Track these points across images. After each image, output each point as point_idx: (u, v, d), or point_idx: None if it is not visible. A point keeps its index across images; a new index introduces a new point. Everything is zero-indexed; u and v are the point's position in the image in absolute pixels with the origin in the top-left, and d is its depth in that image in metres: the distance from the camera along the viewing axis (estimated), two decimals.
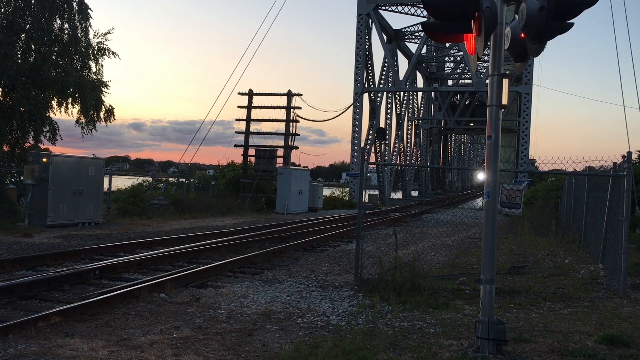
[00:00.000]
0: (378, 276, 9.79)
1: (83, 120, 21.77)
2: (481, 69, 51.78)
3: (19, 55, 20.30)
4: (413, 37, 51.02)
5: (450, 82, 72.81)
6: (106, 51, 22.02)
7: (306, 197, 31.25)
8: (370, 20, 43.62)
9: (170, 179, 38.91)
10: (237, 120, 34.46)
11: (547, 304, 8.99)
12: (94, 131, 22.24)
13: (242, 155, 34.17)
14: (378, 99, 46.23)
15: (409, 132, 62.25)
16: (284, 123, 33.67)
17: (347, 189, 43.31)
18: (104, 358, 5.75)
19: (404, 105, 56.76)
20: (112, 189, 25.40)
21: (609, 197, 10.97)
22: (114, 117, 22.74)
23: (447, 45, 55.90)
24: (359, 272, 10.19)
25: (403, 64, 53.92)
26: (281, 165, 32.52)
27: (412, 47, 52.21)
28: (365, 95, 44.18)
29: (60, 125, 21.94)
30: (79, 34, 21.00)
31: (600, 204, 12.14)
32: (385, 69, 47.67)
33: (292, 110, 33.44)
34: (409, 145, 61.83)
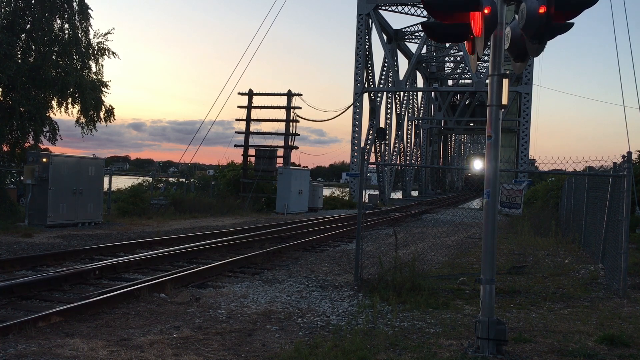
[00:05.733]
0: (378, 276, 9.79)
1: (83, 120, 21.78)
2: (481, 69, 51.78)
3: (19, 55, 20.30)
4: (413, 37, 51.02)
5: (450, 82, 72.81)
6: (106, 51, 22.03)
7: (306, 197, 31.24)
8: (370, 20, 43.63)
9: (170, 179, 38.90)
10: (237, 120, 34.54)
11: (547, 304, 8.99)
12: (94, 131, 22.27)
13: (242, 155, 34.19)
14: (378, 99, 46.24)
15: (409, 132, 62.28)
16: (284, 123, 33.69)
17: (347, 189, 43.32)
18: (104, 358, 5.75)
19: (404, 105, 56.77)
20: (112, 189, 25.40)
21: (609, 197, 10.98)
22: (114, 117, 22.76)
23: (447, 45, 55.91)
24: (359, 272, 10.19)
25: (403, 64, 54.01)
26: (281, 165, 32.52)
27: (412, 47, 52.25)
28: (365, 95, 44.19)
29: (60, 125, 21.97)
30: (79, 34, 21.00)
31: (600, 204, 12.14)
32: (385, 69, 47.68)
33: (292, 110, 33.44)
34: (409, 145, 61.85)
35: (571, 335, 7.11)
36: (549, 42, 5.91)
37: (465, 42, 6.28)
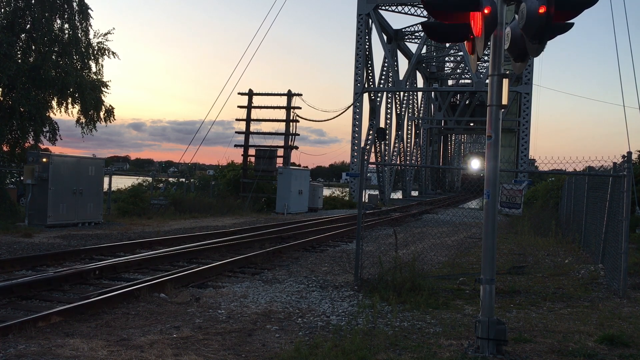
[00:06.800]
0: (378, 276, 9.79)
1: (83, 120, 21.80)
2: (481, 69, 51.78)
3: (19, 55, 20.30)
4: (413, 37, 51.02)
5: (450, 82, 72.80)
6: (106, 51, 22.05)
7: (306, 197, 31.24)
8: (370, 20, 43.62)
9: (170, 179, 38.90)
10: (237, 120, 34.53)
11: (547, 304, 8.99)
12: (94, 131, 22.29)
13: (242, 155, 34.18)
14: (378, 99, 46.23)
15: (409, 132, 62.26)
16: (284, 123, 33.69)
17: (347, 189, 43.32)
18: (104, 358, 5.75)
19: (404, 105, 56.76)
20: (112, 189, 25.40)
21: (609, 197, 10.98)
22: (114, 117, 22.78)
23: (447, 45, 55.90)
24: (359, 272, 10.19)
25: (403, 64, 54.00)
26: (281, 165, 32.53)
27: (412, 47, 52.24)
28: (365, 95, 44.18)
29: (60, 125, 22.00)
30: (79, 34, 21.01)
31: (600, 204, 12.15)
32: (385, 69, 47.67)
33: (292, 110, 33.44)
34: (409, 145, 61.84)
35: (571, 335, 7.11)
36: (549, 42, 5.91)
37: (465, 42, 6.28)
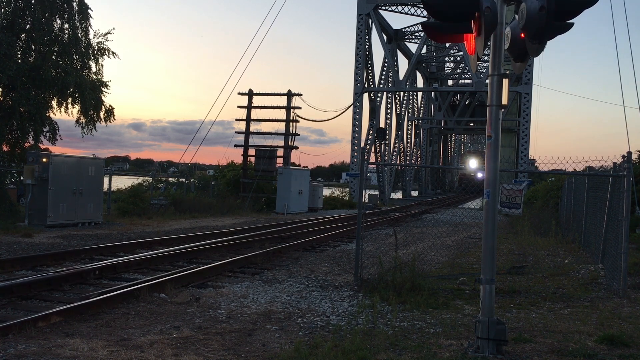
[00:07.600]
0: (378, 276, 9.79)
1: (83, 120, 21.81)
2: (481, 69, 51.75)
3: (19, 55, 20.31)
4: (413, 37, 51.00)
5: (450, 82, 72.78)
6: (106, 51, 22.06)
7: (306, 197, 31.24)
8: (370, 20, 43.61)
9: (170, 179, 38.90)
10: (237, 120, 34.55)
11: (547, 304, 8.99)
12: (94, 131, 22.31)
13: (242, 155, 34.19)
14: (378, 99, 46.21)
15: (409, 132, 62.23)
16: (284, 123, 33.69)
17: (347, 189, 43.32)
18: (104, 358, 5.75)
19: (404, 105, 56.74)
20: (112, 189, 25.40)
21: (609, 197, 10.98)
22: (113, 117, 22.81)
23: (447, 45, 55.87)
24: (359, 272, 10.19)
25: (403, 64, 53.95)
26: (281, 165, 32.53)
27: (412, 47, 52.21)
28: (365, 95, 44.16)
29: (60, 125, 22.02)
30: (79, 34, 21.02)
31: (600, 204, 12.15)
32: (385, 69, 47.66)
33: (292, 110, 33.44)
34: (409, 145, 61.82)
35: (571, 335, 7.12)
36: (548, 42, 5.91)
37: (465, 42, 6.28)
